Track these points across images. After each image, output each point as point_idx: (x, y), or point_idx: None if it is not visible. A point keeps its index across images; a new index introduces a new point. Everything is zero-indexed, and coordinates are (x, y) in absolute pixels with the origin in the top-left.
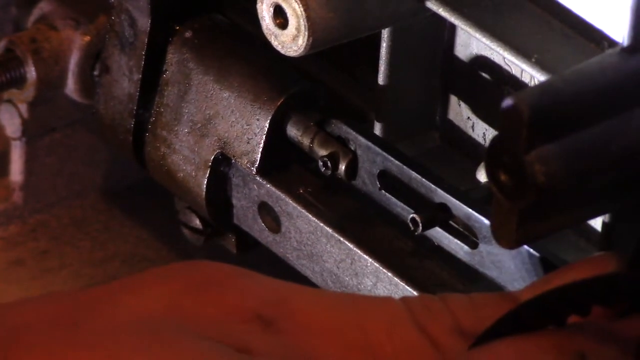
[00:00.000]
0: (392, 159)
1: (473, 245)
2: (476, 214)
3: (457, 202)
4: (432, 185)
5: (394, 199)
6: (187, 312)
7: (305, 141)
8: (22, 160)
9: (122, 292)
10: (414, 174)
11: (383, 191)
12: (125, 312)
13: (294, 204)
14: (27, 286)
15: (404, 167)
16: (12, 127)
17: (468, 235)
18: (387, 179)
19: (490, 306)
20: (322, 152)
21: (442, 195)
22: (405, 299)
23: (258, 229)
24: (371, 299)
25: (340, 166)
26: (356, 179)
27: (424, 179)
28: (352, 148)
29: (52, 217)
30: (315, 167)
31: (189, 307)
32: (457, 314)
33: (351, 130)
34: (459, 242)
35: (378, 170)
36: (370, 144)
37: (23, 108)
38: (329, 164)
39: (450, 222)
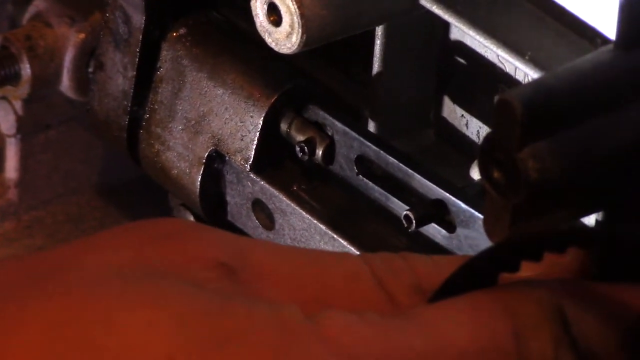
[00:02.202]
0: (369, 144)
1: (451, 229)
2: (453, 198)
3: (435, 186)
4: (409, 170)
5: (371, 184)
6: (152, 261)
7: (283, 127)
8: (17, 157)
9: (84, 249)
10: (391, 159)
11: (360, 176)
12: (91, 265)
13: (288, 201)
14: None
15: (381, 152)
16: (7, 124)
17: (446, 219)
18: (364, 164)
19: (452, 265)
20: (300, 138)
21: (419, 180)
22: (365, 256)
23: (252, 226)
24: (330, 254)
25: (317, 151)
26: (334, 164)
27: (400, 164)
28: (330, 133)
29: (48, 214)
30: (309, 164)
31: (153, 257)
32: (418, 273)
33: (328, 116)
34: (436, 225)
35: (355, 155)
36: (347, 129)
37: (18, 105)
38: (306, 149)
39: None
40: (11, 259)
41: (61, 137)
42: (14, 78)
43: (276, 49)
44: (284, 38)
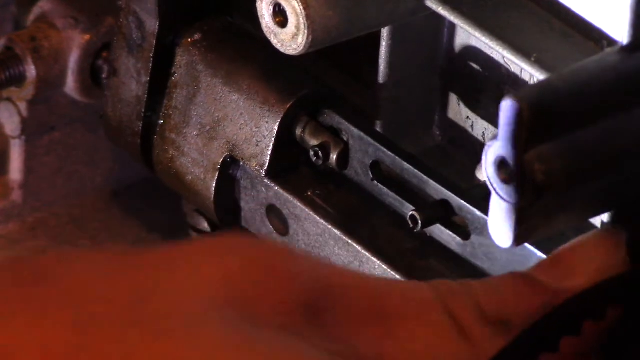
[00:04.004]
0: (385, 149)
1: (465, 236)
2: (468, 206)
3: (450, 193)
4: (425, 177)
5: (385, 190)
6: (246, 300)
7: (297, 131)
8: (22, 159)
9: (178, 262)
10: (406, 165)
11: (375, 182)
12: (188, 290)
13: (302, 207)
14: None
15: (397, 158)
16: (12, 125)
17: (460, 226)
18: (379, 170)
19: (508, 287)
20: (314, 142)
21: (434, 187)
22: (433, 284)
23: (266, 232)
24: (404, 285)
25: (331, 156)
26: (348, 169)
27: (416, 170)
28: (345, 138)
29: (52, 216)
30: (323, 169)
31: (247, 293)
32: (480, 300)
33: (344, 121)
34: (451, 233)
35: (370, 161)
36: (362, 134)
37: (22, 106)
38: (320, 153)
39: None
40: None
41: (65, 139)
42: (19, 79)
43: (282, 50)
44: (290, 39)
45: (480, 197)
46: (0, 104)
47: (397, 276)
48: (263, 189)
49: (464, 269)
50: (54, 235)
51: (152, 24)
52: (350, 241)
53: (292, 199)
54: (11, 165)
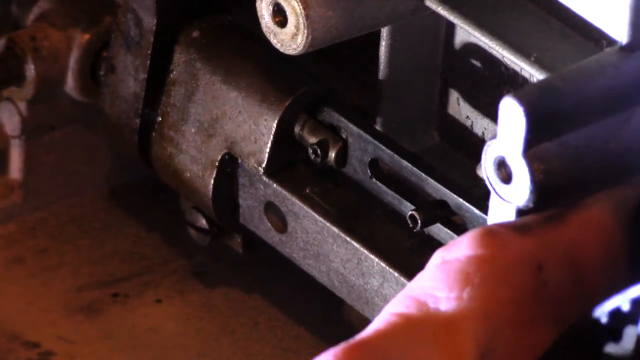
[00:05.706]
0: (384, 147)
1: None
2: (467, 204)
3: (449, 192)
4: (423, 175)
5: (384, 187)
6: None
7: (296, 129)
8: (22, 159)
9: None
10: (405, 163)
11: (374, 179)
12: None
13: (300, 204)
14: (26, 284)
15: (395, 155)
16: (12, 125)
17: (459, 225)
18: (377, 168)
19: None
20: (312, 140)
21: (432, 185)
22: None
23: (264, 229)
24: None
25: (330, 154)
26: (347, 167)
27: (414, 168)
28: (344, 136)
29: (52, 216)
30: (322, 167)
31: None
32: None
33: (343, 118)
34: (449, 231)
35: (369, 159)
36: (361, 132)
37: (22, 106)
38: (319, 151)
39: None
40: None
41: (65, 139)
42: (19, 79)
43: (281, 49)
44: (290, 39)
45: (480, 196)
46: (0, 104)
47: (395, 273)
48: (261, 186)
49: None
50: (54, 235)
51: (150, 22)
52: (348, 239)
53: (290, 196)
54: (11, 165)
